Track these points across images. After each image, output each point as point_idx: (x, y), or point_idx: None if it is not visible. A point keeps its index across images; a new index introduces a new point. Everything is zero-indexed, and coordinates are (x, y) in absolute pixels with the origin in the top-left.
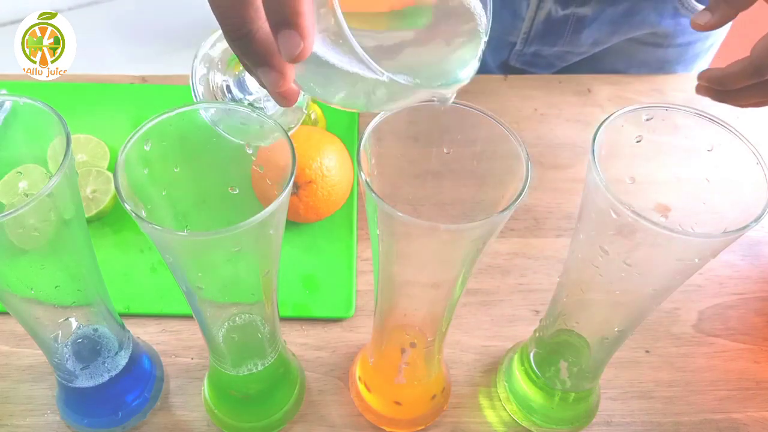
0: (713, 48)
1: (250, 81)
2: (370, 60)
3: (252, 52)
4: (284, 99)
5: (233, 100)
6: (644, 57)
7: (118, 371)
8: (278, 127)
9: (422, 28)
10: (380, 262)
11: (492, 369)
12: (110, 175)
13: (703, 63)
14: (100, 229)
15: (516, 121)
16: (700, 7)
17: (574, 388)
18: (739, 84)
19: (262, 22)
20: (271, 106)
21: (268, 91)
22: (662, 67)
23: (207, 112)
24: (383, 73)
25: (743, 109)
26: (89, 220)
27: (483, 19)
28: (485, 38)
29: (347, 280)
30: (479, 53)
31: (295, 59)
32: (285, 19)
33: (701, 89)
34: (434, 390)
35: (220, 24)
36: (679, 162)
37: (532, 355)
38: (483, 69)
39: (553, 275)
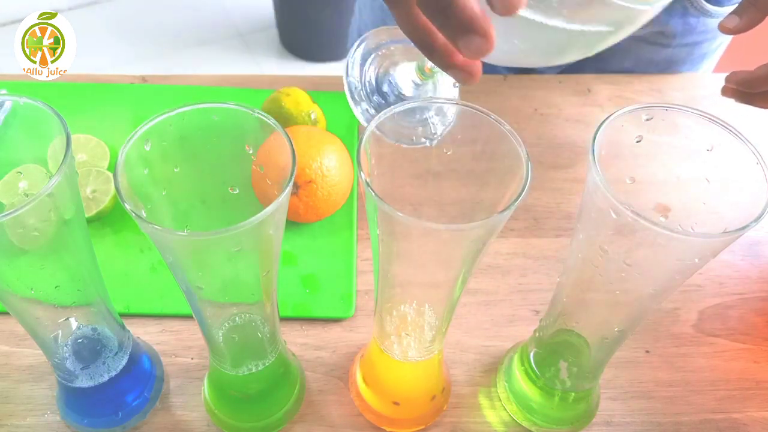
0: (721, 48)
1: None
2: None
3: (456, 20)
4: (471, 75)
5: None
6: (651, 56)
7: (118, 371)
8: (277, 126)
9: None
10: (380, 262)
11: (492, 369)
12: (110, 175)
13: (710, 63)
14: (100, 229)
15: (516, 121)
16: (709, 7)
17: (574, 388)
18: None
19: None
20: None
21: (456, 66)
22: (669, 66)
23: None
24: None
25: (743, 110)
26: (89, 220)
27: None
28: None
29: (347, 280)
30: None
31: (512, 10)
32: None
33: (728, 91)
34: (434, 390)
35: (421, 5)
36: (679, 162)
37: (532, 355)
38: (487, 69)
39: (553, 275)
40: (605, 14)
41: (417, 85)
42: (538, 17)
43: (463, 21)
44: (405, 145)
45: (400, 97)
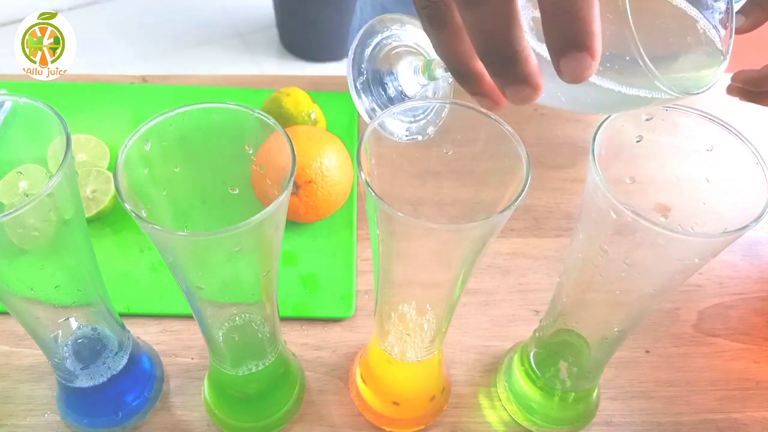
0: None
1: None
2: (661, 79)
3: (514, 73)
4: (497, 104)
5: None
6: None
7: (118, 371)
8: (277, 126)
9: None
10: (380, 262)
11: (492, 369)
12: (110, 175)
13: None
14: (100, 229)
15: (516, 121)
16: None
17: (574, 388)
18: None
19: (525, 42)
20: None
21: (484, 94)
22: None
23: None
24: (670, 92)
25: (743, 110)
26: (89, 220)
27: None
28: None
29: (347, 280)
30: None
31: (579, 81)
32: (577, 42)
33: (733, 90)
34: (434, 390)
35: (478, 45)
36: (679, 162)
37: (532, 355)
38: None
39: (553, 275)
40: (654, 84)
41: (421, 86)
42: (592, 78)
43: (520, 75)
44: (396, 140)
45: (402, 95)
